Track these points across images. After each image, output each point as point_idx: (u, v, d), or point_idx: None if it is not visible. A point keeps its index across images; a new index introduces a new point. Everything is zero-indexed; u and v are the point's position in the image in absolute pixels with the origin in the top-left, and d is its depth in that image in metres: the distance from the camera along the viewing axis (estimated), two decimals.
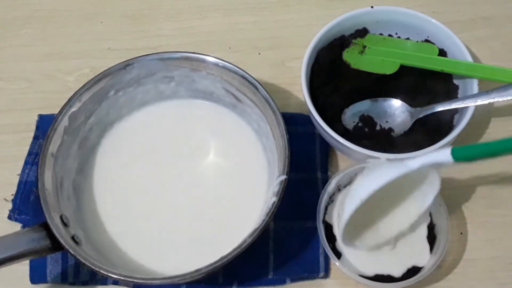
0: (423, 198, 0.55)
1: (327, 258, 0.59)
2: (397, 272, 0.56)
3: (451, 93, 0.65)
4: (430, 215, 0.59)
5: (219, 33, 0.75)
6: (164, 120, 0.65)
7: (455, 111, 0.63)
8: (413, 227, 0.58)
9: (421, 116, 0.62)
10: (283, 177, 0.54)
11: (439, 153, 0.49)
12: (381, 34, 0.68)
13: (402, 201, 0.57)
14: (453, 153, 0.48)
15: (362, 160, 0.59)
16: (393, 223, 0.57)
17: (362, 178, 0.54)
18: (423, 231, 0.58)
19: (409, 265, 0.57)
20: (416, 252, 0.57)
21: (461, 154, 0.49)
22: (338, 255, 0.57)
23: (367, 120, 0.63)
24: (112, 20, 0.77)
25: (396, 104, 0.64)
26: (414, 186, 0.56)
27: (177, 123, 0.65)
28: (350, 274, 0.56)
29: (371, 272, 0.56)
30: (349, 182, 0.61)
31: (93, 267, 0.51)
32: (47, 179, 0.55)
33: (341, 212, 0.54)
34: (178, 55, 0.61)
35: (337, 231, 0.57)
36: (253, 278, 0.59)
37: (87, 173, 0.62)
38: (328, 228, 0.59)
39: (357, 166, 0.59)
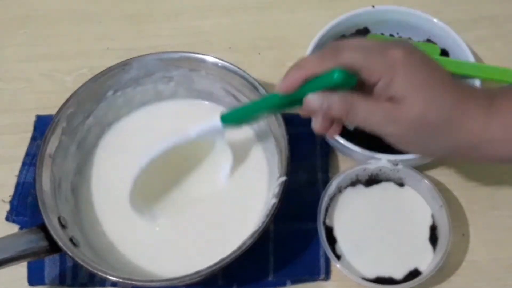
0: (220, 168, 0.61)
1: (327, 260, 0.59)
2: (399, 274, 0.56)
3: None
4: (432, 216, 0.58)
5: (219, 33, 0.75)
6: (163, 120, 0.64)
7: None
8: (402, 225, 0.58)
9: None
10: (283, 178, 0.53)
11: (210, 121, 0.56)
12: (382, 34, 0.68)
13: (201, 171, 0.61)
14: (222, 118, 0.55)
15: (363, 161, 0.59)
16: (192, 190, 0.61)
17: None
18: (425, 232, 0.58)
19: (410, 267, 0.56)
20: (418, 254, 0.57)
21: (228, 118, 0.55)
22: (339, 257, 0.57)
23: None
24: (111, 20, 0.76)
25: None
26: (209, 157, 0.61)
27: (176, 124, 0.64)
28: (351, 276, 0.55)
29: (372, 274, 0.56)
30: (350, 183, 0.60)
31: (91, 269, 0.51)
32: (45, 180, 0.55)
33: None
34: (178, 55, 0.61)
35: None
36: (253, 280, 0.58)
37: (85, 174, 0.61)
38: (329, 230, 0.58)
39: (358, 167, 0.59)
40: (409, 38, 0.67)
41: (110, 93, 0.61)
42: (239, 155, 0.62)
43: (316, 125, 0.51)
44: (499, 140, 0.47)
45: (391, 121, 0.47)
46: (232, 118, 0.55)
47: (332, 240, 0.58)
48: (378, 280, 0.56)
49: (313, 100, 0.48)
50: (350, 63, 0.46)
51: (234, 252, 0.51)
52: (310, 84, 0.48)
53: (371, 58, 0.47)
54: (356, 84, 0.47)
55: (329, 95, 0.47)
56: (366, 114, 0.47)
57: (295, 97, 0.49)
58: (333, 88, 0.47)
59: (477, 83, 0.61)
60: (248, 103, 0.57)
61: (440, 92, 0.46)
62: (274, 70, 0.71)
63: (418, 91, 0.46)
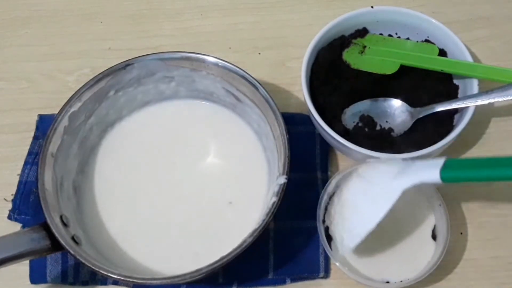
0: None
1: (327, 258, 0.59)
2: (397, 272, 0.56)
3: (451, 93, 0.65)
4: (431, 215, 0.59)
5: (219, 33, 0.75)
6: (164, 120, 0.65)
7: (455, 111, 0.63)
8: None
9: (421, 116, 0.62)
10: (283, 177, 0.54)
11: (427, 173, 0.49)
12: (381, 34, 0.68)
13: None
14: (441, 175, 0.48)
15: (362, 160, 0.59)
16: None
17: (355, 210, 0.54)
18: (423, 231, 0.58)
19: (409, 265, 0.57)
20: (416, 252, 0.57)
21: (450, 176, 0.48)
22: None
23: (367, 120, 0.63)
24: (112, 20, 0.77)
25: (396, 104, 0.64)
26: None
27: (177, 124, 0.65)
28: (350, 274, 0.56)
29: (371, 272, 0.56)
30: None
31: (93, 267, 0.51)
32: (47, 179, 0.55)
33: (339, 233, 0.55)
34: (178, 55, 0.61)
35: (339, 247, 0.56)
36: (253, 278, 0.59)
37: (87, 173, 0.62)
38: (328, 228, 0.58)
39: (357, 166, 0.59)
40: (408, 39, 0.68)
41: (111, 93, 0.61)
42: (239, 154, 0.63)
43: None
44: None
45: None
46: (455, 178, 0.49)
47: (331, 238, 0.58)
48: (377, 278, 0.56)
49: None
50: None
51: (234, 250, 0.51)
52: None
53: None
54: None
55: None
56: None
57: None
58: None
59: (475, 82, 0.62)
60: (486, 159, 0.50)
61: None
62: (274, 70, 0.71)
63: None
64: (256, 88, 0.59)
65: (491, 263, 0.59)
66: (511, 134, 0.66)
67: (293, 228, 0.60)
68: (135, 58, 0.61)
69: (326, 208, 0.59)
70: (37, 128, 0.67)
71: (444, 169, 0.48)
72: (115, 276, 0.51)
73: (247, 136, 0.63)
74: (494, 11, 0.75)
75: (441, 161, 0.49)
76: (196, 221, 0.59)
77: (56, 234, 0.52)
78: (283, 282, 0.59)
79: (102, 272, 0.51)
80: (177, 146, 0.63)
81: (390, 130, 0.63)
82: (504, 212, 0.62)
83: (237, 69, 0.60)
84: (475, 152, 0.65)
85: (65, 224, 0.54)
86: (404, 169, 0.51)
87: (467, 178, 0.49)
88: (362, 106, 0.64)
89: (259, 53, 0.73)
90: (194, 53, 0.61)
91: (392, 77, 0.65)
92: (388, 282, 0.56)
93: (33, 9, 0.78)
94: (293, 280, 0.59)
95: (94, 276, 0.59)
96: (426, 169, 0.50)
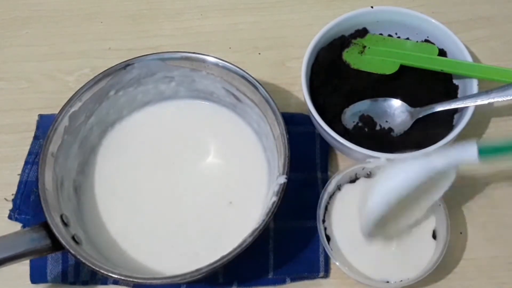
0: (436, 190, 0.55)
1: (327, 258, 0.59)
2: (397, 272, 0.56)
3: (451, 93, 0.65)
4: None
5: (219, 33, 0.75)
6: (165, 120, 0.65)
7: (455, 111, 0.63)
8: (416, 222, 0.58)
9: (421, 116, 0.62)
10: (283, 176, 0.54)
11: (464, 151, 0.49)
12: (381, 34, 0.68)
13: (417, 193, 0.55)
14: (479, 151, 0.48)
15: (362, 160, 0.59)
16: (408, 213, 0.56)
17: (387, 177, 0.53)
18: (423, 231, 0.58)
19: (409, 264, 0.57)
20: (416, 251, 0.57)
21: (488, 152, 0.48)
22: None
23: (367, 120, 0.63)
24: (112, 20, 0.77)
25: (396, 104, 0.64)
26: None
27: (177, 123, 0.65)
28: (350, 274, 0.56)
29: (371, 272, 0.56)
30: (349, 181, 0.61)
31: (94, 267, 0.51)
32: (48, 179, 0.55)
33: (365, 209, 0.53)
34: (178, 55, 0.61)
35: (361, 226, 0.55)
36: (253, 278, 0.59)
37: (87, 173, 0.62)
38: (328, 227, 0.59)
39: (357, 166, 0.59)
40: (407, 39, 0.68)
41: (112, 92, 0.61)
42: (239, 154, 0.63)
43: None
44: None
45: None
46: (493, 153, 0.49)
47: (331, 238, 0.58)
48: (377, 277, 0.56)
49: None
50: None
51: (234, 249, 0.51)
52: None
53: None
54: None
55: None
56: None
57: None
58: None
59: (474, 83, 0.62)
60: None
61: None
62: (274, 70, 0.71)
63: None
64: (256, 88, 0.59)
65: (491, 263, 0.59)
66: (511, 134, 0.66)
67: (293, 228, 0.60)
68: (135, 58, 0.61)
69: (326, 208, 0.59)
70: (37, 128, 0.67)
71: (481, 147, 0.48)
72: (116, 276, 0.51)
73: (247, 136, 0.63)
74: (494, 11, 0.75)
75: (474, 143, 0.49)
76: (196, 221, 0.59)
77: (57, 234, 0.52)
78: (283, 281, 0.59)
79: (103, 271, 0.51)
80: (177, 146, 0.63)
81: (390, 130, 0.63)
82: (504, 212, 0.62)
83: (237, 69, 0.60)
84: None
85: (65, 224, 0.55)
86: (438, 153, 0.51)
87: (504, 151, 0.49)
88: (362, 106, 0.64)
89: (259, 53, 0.73)
90: (194, 53, 0.61)
91: (392, 77, 0.65)
92: (388, 282, 0.56)
93: (33, 9, 0.78)
94: (293, 279, 0.59)
95: (95, 276, 0.59)
96: (462, 149, 0.49)
